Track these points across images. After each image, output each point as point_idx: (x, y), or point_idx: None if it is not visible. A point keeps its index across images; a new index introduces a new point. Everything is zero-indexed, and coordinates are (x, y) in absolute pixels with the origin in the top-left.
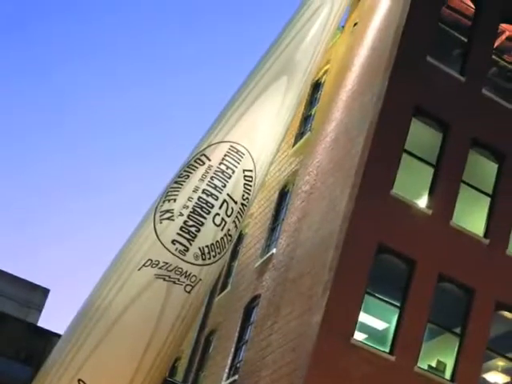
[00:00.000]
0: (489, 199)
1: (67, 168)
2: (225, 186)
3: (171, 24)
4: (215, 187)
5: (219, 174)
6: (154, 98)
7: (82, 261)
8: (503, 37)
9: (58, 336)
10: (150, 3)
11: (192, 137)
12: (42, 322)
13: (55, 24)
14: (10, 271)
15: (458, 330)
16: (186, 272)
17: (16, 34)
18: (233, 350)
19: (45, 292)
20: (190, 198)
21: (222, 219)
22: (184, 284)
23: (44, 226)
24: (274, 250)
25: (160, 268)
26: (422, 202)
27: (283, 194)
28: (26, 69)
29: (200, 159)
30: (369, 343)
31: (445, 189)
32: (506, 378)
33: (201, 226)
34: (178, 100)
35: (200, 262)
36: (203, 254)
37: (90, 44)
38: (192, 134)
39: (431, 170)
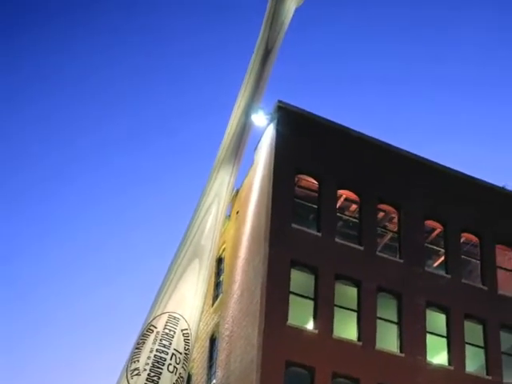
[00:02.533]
0: (356, 313)
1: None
2: (171, 344)
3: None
4: (164, 346)
5: (165, 336)
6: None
7: None
8: (342, 199)
9: None
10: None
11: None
12: None
13: None
14: None
15: None
16: None
17: None
18: None
19: None
20: (148, 357)
21: (174, 367)
22: None
23: None
24: (214, 381)
25: None
26: (310, 325)
27: (213, 341)
28: None
29: (150, 328)
30: None
31: (324, 313)
32: None
33: (160, 374)
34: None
35: None
36: None
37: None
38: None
39: (311, 302)
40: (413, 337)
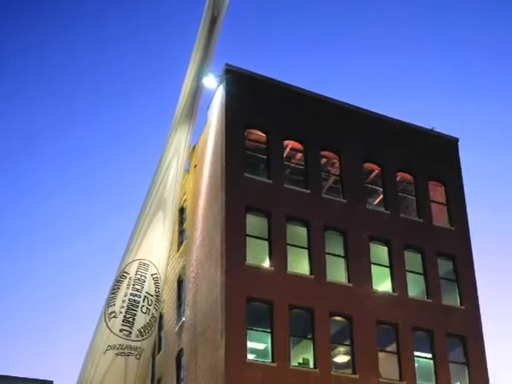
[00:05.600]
0: (307, 250)
1: None
2: (143, 288)
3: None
4: (137, 290)
5: (137, 281)
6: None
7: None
8: (288, 149)
9: None
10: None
11: None
12: None
13: None
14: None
15: (310, 336)
16: (134, 347)
17: None
18: None
19: (50, 383)
20: (123, 300)
21: (147, 308)
22: (134, 354)
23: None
24: (184, 318)
25: (117, 349)
26: (266, 263)
27: (180, 282)
28: None
29: (123, 275)
30: (258, 359)
31: (278, 252)
32: None
33: (135, 316)
34: None
35: (140, 338)
36: (141, 332)
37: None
38: None
39: (266, 243)
40: (359, 268)
